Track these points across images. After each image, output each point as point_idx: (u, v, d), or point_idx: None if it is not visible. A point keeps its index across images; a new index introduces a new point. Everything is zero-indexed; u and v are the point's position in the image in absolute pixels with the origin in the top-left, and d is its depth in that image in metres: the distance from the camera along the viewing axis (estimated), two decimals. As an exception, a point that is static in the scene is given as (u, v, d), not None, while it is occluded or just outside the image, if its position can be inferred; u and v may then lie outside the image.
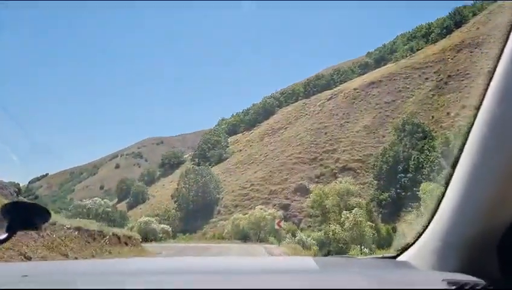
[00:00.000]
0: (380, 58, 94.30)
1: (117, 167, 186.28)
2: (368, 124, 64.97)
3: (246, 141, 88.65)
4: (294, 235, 36.20)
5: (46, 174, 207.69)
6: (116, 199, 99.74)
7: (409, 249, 1.68)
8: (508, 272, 1.23)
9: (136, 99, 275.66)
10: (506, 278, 1.22)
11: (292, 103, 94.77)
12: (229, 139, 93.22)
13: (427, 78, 67.80)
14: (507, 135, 1.08)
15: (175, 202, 66.37)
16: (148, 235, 53.57)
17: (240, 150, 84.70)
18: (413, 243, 1.65)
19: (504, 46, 1.09)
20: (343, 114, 70.39)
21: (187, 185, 66.06)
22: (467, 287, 1.14)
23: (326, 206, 37.85)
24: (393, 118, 63.03)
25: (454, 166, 1.32)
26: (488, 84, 1.13)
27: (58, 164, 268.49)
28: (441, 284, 1.18)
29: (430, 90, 64.45)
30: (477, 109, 1.17)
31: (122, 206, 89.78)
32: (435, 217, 1.47)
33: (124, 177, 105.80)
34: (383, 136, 60.61)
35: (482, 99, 1.16)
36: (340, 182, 38.96)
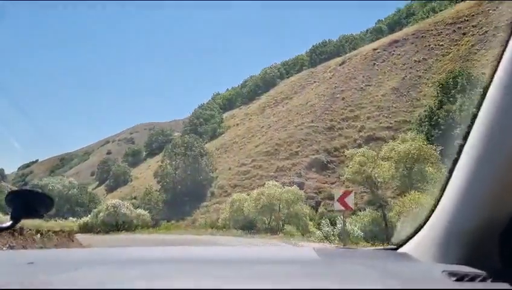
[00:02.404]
0: (394, 23, 79.46)
1: (109, 153, 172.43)
2: (396, 86, 50.55)
3: (244, 114, 74.03)
4: (333, 223, 21.78)
5: (36, 160, 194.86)
6: (97, 183, 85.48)
7: (410, 241, 1.61)
8: (508, 263, 1.21)
9: (127, 84, 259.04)
10: (507, 269, 1.20)
11: (296, 73, 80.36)
12: (225, 115, 78.66)
13: (464, 33, 53.35)
14: (510, 127, 1.06)
15: (158, 181, 51.70)
16: (118, 223, 39.08)
17: (237, 124, 70.11)
18: (414, 234, 1.59)
19: (506, 45, 1.06)
20: (363, 77, 55.90)
21: (173, 161, 51.35)
22: (467, 279, 1.13)
23: (379, 179, 23.77)
24: (427, 78, 48.77)
25: (457, 158, 1.27)
26: (492, 77, 1.09)
27: (49, 150, 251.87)
28: (441, 276, 1.16)
29: (472, 45, 50.01)
30: (480, 102, 1.13)
31: (102, 190, 75.38)
32: (437, 209, 1.42)
33: (106, 158, 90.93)
34: (417, 99, 46.27)
35: (485, 94, 1.12)
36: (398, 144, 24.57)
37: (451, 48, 52.53)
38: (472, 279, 1.12)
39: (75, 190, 51.61)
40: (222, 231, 30.26)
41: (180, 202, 47.61)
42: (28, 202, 1.57)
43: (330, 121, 49.73)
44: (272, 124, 58.18)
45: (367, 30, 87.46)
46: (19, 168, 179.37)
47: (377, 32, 79.40)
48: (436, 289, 1.10)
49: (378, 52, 59.88)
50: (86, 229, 40.73)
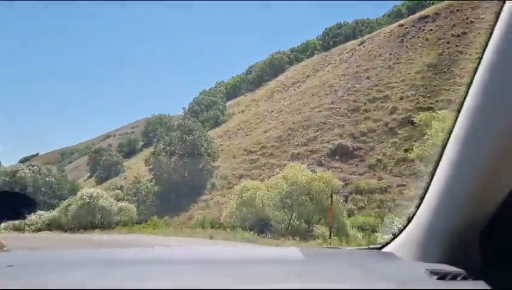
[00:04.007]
0: (415, 6, 70.26)
1: (109, 146, 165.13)
2: (433, 62, 41.55)
3: (250, 101, 65.15)
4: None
5: (37, 154, 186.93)
6: (88, 174, 76.57)
7: (394, 241, 1.61)
8: (489, 261, 1.23)
9: (129, 78, 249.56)
10: (487, 267, 1.21)
11: (306, 58, 71.45)
12: (228, 103, 69.65)
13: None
14: (490, 128, 1.06)
15: (150, 170, 42.78)
16: (95, 218, 30.24)
17: (242, 111, 61.23)
18: (398, 234, 1.59)
19: (484, 50, 1.06)
20: (390, 54, 46.93)
21: (168, 147, 42.43)
22: (449, 277, 1.14)
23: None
24: (470, 54, 39.79)
25: (439, 159, 1.28)
26: (473, 77, 1.09)
27: (50, 144, 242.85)
28: (424, 274, 1.17)
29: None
30: (461, 104, 1.13)
31: (92, 182, 66.38)
32: (420, 209, 1.42)
33: (98, 147, 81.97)
34: (461, 76, 37.27)
35: (466, 94, 1.12)
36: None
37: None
38: (454, 277, 1.14)
39: (52, 178, 42.67)
40: (225, 232, 21.35)
41: (174, 194, 38.70)
42: (11, 203, 1.43)
43: (354, 102, 40.78)
44: (282, 108, 49.25)
45: (384, 15, 78.33)
46: (18, 161, 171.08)
47: (395, 16, 70.28)
48: (419, 288, 1.10)
49: (406, 29, 50.87)
50: (54, 225, 31.93)
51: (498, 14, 1.03)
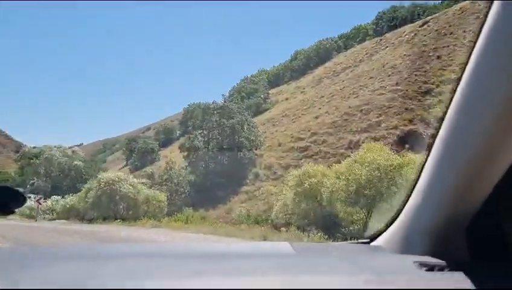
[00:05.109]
0: (481, -12, 61.77)
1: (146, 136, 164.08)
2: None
3: (294, 88, 58.93)
4: None
5: (81, 144, 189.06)
6: (124, 162, 72.68)
7: (383, 235, 1.59)
8: (476, 255, 1.25)
9: (170, 70, 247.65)
10: (474, 260, 1.24)
11: (358, 44, 64.43)
12: (270, 92, 63.60)
13: None
14: (476, 125, 1.07)
15: (185, 157, 37.49)
16: (117, 207, 25.04)
17: (287, 98, 55.12)
18: (386, 228, 1.58)
19: (473, 47, 1.06)
20: (464, 32, 39.48)
21: (206, 132, 36.99)
22: (437, 268, 1.16)
23: None
24: None
25: (427, 155, 1.29)
26: (461, 77, 1.10)
27: (93, 134, 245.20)
28: (412, 266, 1.18)
29: None
30: (450, 99, 1.14)
31: (126, 170, 62.16)
32: (407, 204, 1.43)
33: (136, 136, 77.93)
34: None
35: (453, 92, 1.13)
36: None
37: None
38: (441, 269, 1.15)
39: (80, 162, 38.12)
40: (279, 232, 15.40)
41: (211, 184, 33.20)
42: None
43: (424, 84, 33.87)
44: (335, 93, 42.78)
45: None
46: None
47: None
48: (409, 278, 1.12)
49: (480, 6, 43.17)
50: (73, 214, 27.05)
51: (486, 13, 1.00)
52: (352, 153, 29.54)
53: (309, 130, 35.55)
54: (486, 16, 1.00)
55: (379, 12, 65.38)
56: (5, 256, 1.42)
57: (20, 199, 1.51)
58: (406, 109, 31.53)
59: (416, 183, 1.36)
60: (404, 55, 41.03)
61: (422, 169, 1.31)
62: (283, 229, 15.76)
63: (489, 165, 1.09)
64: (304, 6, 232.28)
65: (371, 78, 40.07)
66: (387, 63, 41.35)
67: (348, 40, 68.56)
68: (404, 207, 1.45)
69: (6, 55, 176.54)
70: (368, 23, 69.37)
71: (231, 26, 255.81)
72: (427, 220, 1.32)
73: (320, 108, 40.35)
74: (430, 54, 38.02)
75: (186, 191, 32.33)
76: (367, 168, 14.91)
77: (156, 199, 25.91)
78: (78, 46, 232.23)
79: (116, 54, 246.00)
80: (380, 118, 31.77)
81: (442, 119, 1.18)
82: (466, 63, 1.07)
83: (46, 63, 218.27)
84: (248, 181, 32.79)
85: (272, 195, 24.56)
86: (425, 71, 35.51)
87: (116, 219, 22.80)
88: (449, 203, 1.22)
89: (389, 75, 37.88)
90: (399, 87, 34.45)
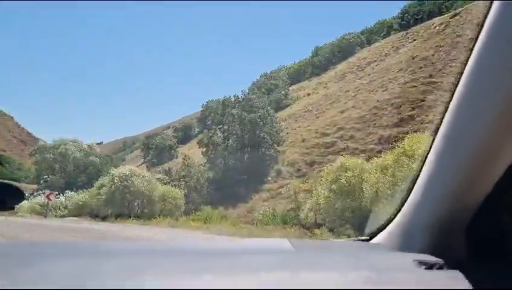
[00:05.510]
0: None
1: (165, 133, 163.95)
2: None
3: (316, 84, 56.55)
4: None
5: (101, 143, 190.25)
6: (142, 160, 71.40)
7: (382, 232, 1.57)
8: (476, 253, 1.24)
9: (189, 69, 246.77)
10: (474, 259, 1.23)
11: (382, 39, 61.67)
12: (291, 88, 61.30)
13: None
14: (477, 120, 1.06)
15: (204, 153, 35.56)
16: (131, 204, 23.18)
17: (309, 94, 52.80)
18: (386, 226, 1.55)
19: (474, 44, 1.05)
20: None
21: (226, 127, 35.00)
22: (436, 267, 1.15)
23: None
24: None
25: (427, 152, 1.27)
26: (461, 75, 1.10)
27: (113, 133, 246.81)
28: (412, 264, 1.17)
29: None
30: (450, 98, 1.13)
31: (143, 167, 60.72)
32: (407, 202, 1.40)
33: (153, 133, 76.50)
34: None
35: (454, 90, 1.13)
36: None
37: None
38: (441, 267, 1.15)
39: (96, 158, 36.59)
40: (313, 234, 13.24)
41: (231, 181, 31.19)
42: None
43: (461, 75, 31.20)
44: (361, 87, 40.31)
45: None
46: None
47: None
48: (408, 276, 1.11)
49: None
50: (86, 211, 25.33)
51: (486, 13, 0.99)
52: (383, 148, 27.33)
53: (335, 125, 33.25)
54: (487, 12, 0.98)
55: (404, 6, 62.52)
56: (3, 251, 1.35)
57: (19, 196, 1.45)
58: (443, 101, 28.92)
59: (416, 179, 1.32)
60: (436, 46, 38.28)
61: (422, 165, 1.28)
62: (317, 230, 13.61)
63: (490, 163, 1.08)
64: (304, 6, 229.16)
65: (400, 70, 37.48)
66: (417, 55, 38.64)
67: (371, 35, 65.79)
68: (404, 204, 1.41)
69: (6, 55, 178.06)
70: (393, 17, 66.59)
71: (250, 24, 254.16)
72: (427, 218, 1.29)
73: (345, 102, 37.98)
74: (465, 45, 35.17)
75: (205, 188, 30.39)
76: (416, 163, 12.61)
77: (172, 195, 23.96)
78: (95, 47, 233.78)
79: (125, 53, 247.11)
80: (414, 112, 29.29)
81: (443, 116, 1.14)
82: (467, 61, 1.06)
83: (52, 62, 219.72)
84: (270, 178, 30.68)
85: (297, 193, 22.40)
86: (461, 62, 32.79)
87: (130, 217, 20.98)
88: (449, 201, 1.20)
89: (420, 67, 35.24)
90: (433, 80, 31.86)
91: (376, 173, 13.32)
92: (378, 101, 33.20)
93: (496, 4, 0.93)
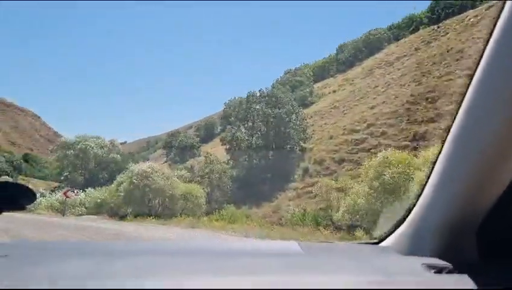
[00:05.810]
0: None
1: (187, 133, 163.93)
2: None
3: (342, 80, 54.59)
4: None
5: (125, 142, 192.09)
6: (165, 158, 70.74)
7: (391, 236, 1.55)
8: (485, 257, 1.22)
9: (211, 68, 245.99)
10: (484, 263, 1.22)
11: (410, 34, 59.21)
12: (316, 86, 59.47)
13: None
14: (488, 126, 1.05)
15: (227, 151, 34.24)
16: (151, 202, 21.95)
17: (334, 91, 50.94)
18: (395, 229, 1.53)
19: (486, 44, 1.06)
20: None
21: (250, 123, 33.58)
22: (445, 271, 1.15)
23: None
24: None
25: (438, 155, 1.26)
26: (473, 75, 1.09)
27: (137, 133, 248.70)
28: (421, 268, 1.17)
29: None
30: (461, 101, 1.12)
31: (165, 166, 59.92)
32: (416, 205, 1.38)
33: (175, 131, 75.91)
34: None
35: (466, 91, 1.11)
36: None
37: None
38: (450, 271, 1.13)
39: (117, 155, 35.77)
40: (354, 237, 11.65)
41: (255, 180, 29.74)
42: (11, 194, 1.43)
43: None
44: (391, 82, 38.26)
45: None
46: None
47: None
48: (416, 281, 1.11)
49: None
50: (105, 209, 24.28)
51: (499, 13, 1.00)
52: (418, 145, 25.38)
53: (364, 122, 31.38)
54: (499, 14, 0.97)
55: (433, 1, 59.95)
56: (11, 251, 1.33)
57: (31, 196, 1.48)
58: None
59: (426, 182, 1.30)
60: (472, 38, 35.89)
61: (433, 168, 1.26)
62: (357, 233, 12.00)
63: (501, 165, 1.06)
64: (305, 6, 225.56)
65: (434, 64, 35.26)
66: (451, 48, 36.36)
67: (399, 30, 63.33)
68: (414, 207, 1.39)
69: (6, 55, 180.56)
70: (422, 11, 63.95)
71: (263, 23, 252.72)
72: (438, 220, 1.27)
73: (374, 98, 36.04)
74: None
75: (227, 186, 29.04)
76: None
77: (194, 193, 22.66)
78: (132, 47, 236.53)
79: (146, 53, 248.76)
80: (451, 107, 27.15)
81: (454, 117, 1.13)
82: (479, 61, 1.04)
83: (57, 62, 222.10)
84: (296, 177, 29.08)
85: (326, 193, 20.71)
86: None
87: (150, 216, 19.78)
88: (460, 203, 1.18)
89: (456, 60, 33.00)
90: (470, 72, 29.61)
91: (423, 169, 11.61)
92: (410, 95, 31.14)
93: (508, 4, 0.91)
